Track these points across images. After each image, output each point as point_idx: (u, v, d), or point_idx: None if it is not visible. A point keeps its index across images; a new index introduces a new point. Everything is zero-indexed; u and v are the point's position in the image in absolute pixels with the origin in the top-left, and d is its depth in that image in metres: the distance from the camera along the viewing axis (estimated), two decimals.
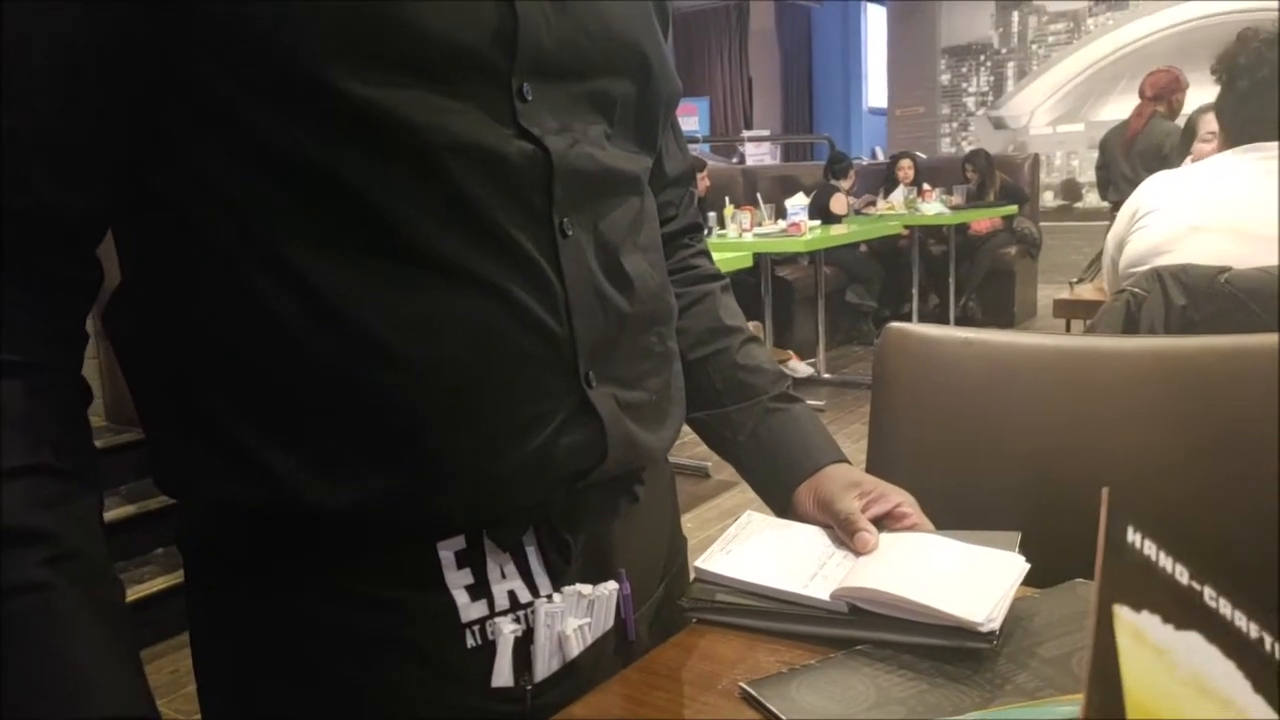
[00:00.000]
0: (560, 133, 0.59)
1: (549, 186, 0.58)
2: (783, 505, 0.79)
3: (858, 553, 0.70)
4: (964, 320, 5.94)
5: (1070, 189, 8.79)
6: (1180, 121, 4.05)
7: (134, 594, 2.38)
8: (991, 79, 9.24)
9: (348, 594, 0.59)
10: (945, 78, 9.42)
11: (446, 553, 0.59)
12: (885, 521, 0.73)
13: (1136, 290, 1.54)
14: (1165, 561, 0.26)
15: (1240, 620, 0.27)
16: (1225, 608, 0.27)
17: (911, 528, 0.72)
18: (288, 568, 0.59)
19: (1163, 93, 4.80)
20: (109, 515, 1.73)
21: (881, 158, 8.57)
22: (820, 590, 0.65)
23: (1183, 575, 0.26)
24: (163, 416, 0.60)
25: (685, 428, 0.83)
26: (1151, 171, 1.99)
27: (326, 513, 0.56)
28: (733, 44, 12.36)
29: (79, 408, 0.55)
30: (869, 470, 0.95)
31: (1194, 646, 0.27)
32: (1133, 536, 0.26)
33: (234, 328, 0.55)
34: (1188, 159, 2.50)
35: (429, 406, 0.55)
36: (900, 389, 1.02)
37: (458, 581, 0.59)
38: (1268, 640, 0.28)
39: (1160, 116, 4.74)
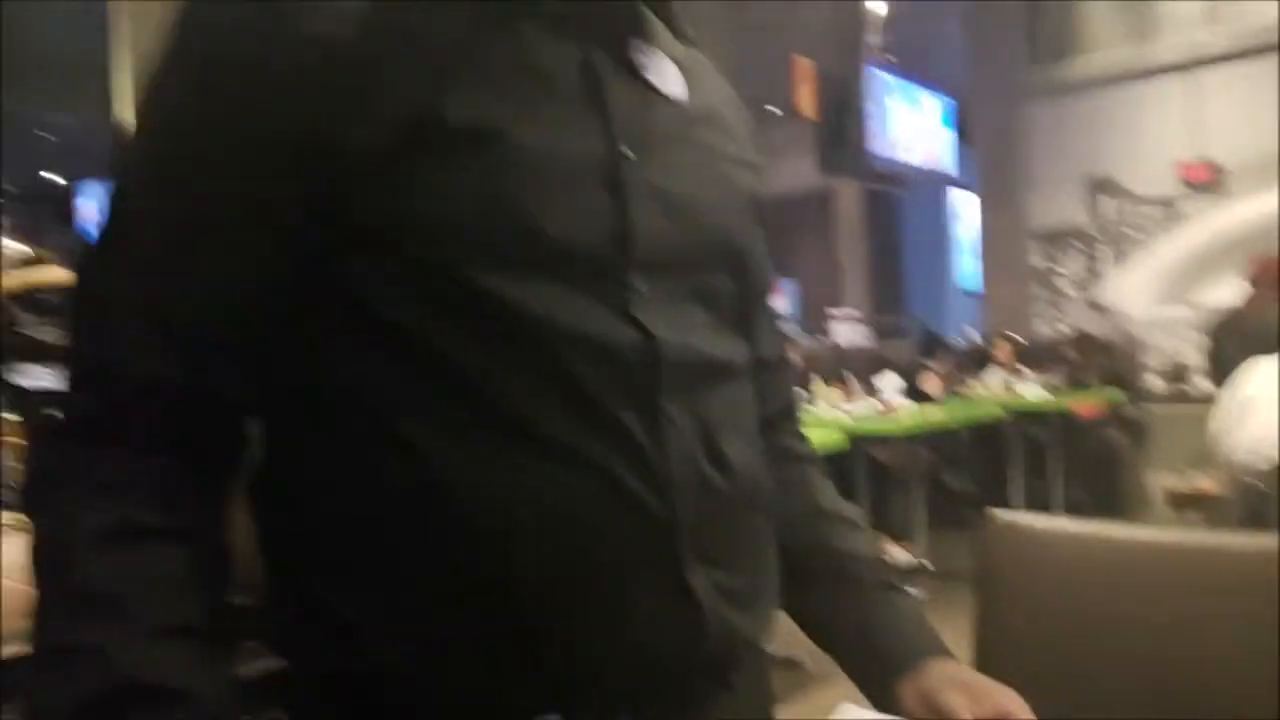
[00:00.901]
0: (667, 323, 0.62)
1: (655, 373, 0.61)
2: (883, 700, 0.76)
3: None
4: (1070, 508, 5.70)
5: (1177, 374, 8.54)
6: None
7: None
8: (1086, 262, 9.23)
9: None
10: (1038, 261, 9.45)
11: None
12: None
13: (1258, 484, 1.47)
14: None
15: None
16: None
17: None
18: None
19: (1273, 279, 4.73)
20: None
21: (975, 338, 8.54)
22: None
23: None
24: (286, 586, 0.63)
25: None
26: None
27: (426, 687, 0.57)
28: (820, 226, 12.72)
29: (223, 572, 0.59)
30: (976, 667, 0.91)
31: None
32: None
33: (353, 503, 0.59)
34: None
35: (530, 586, 0.57)
36: (1006, 582, 0.98)
37: None
38: None
39: (1271, 303, 4.65)
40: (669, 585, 0.60)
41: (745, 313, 0.72)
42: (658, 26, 0.70)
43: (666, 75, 0.68)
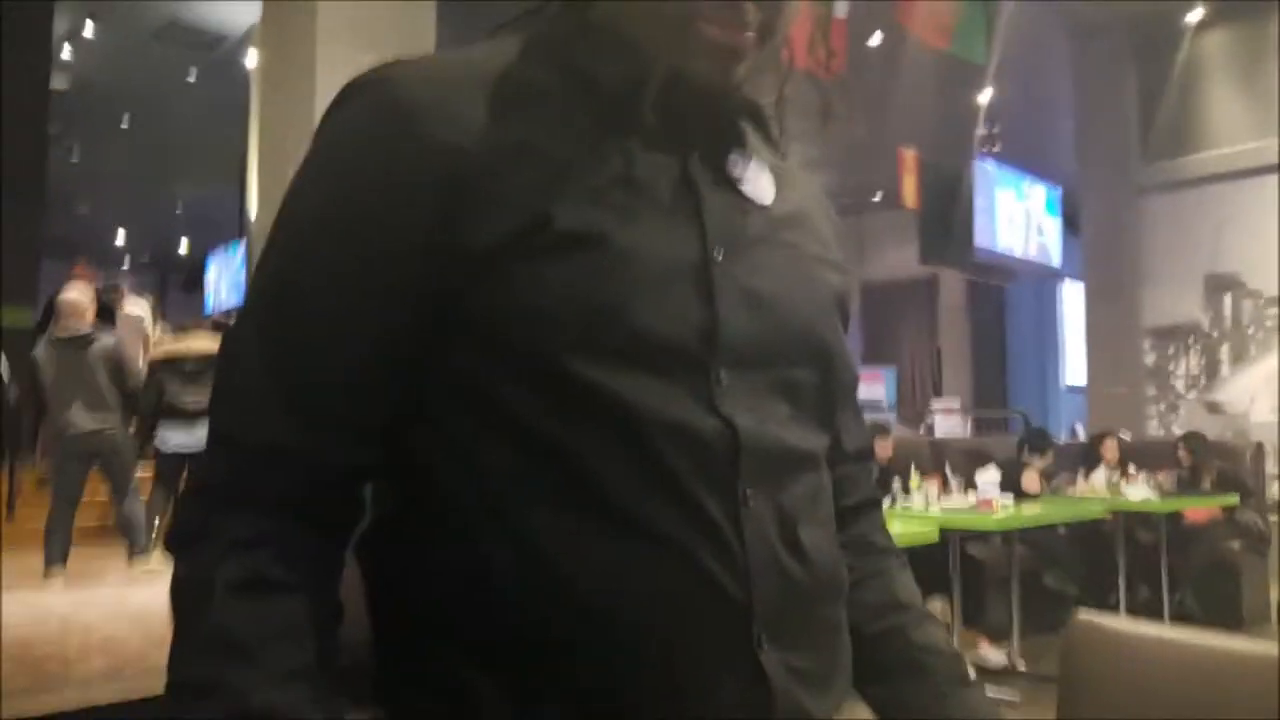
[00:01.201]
0: (749, 414, 0.66)
1: (736, 461, 0.64)
2: None
3: None
4: (1180, 618, 5.38)
5: None
6: None
7: None
8: (1203, 362, 8.85)
9: None
10: (1150, 358, 9.11)
11: None
12: None
13: None
14: None
15: None
16: None
17: None
18: None
19: None
20: None
21: (1082, 436, 8.24)
22: None
23: None
24: (391, 641, 0.67)
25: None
26: None
27: None
28: (922, 315, 12.56)
29: (336, 626, 0.64)
30: None
31: None
32: None
33: (458, 570, 0.63)
34: None
35: (618, 657, 0.60)
36: (1089, 686, 0.97)
37: None
38: None
39: None
40: (743, 665, 0.63)
41: (828, 406, 0.74)
42: (751, 136, 0.76)
43: (759, 183, 0.73)
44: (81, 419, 5.07)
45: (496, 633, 0.62)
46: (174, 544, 0.63)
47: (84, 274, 8.01)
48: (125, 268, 16.89)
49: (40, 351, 5.25)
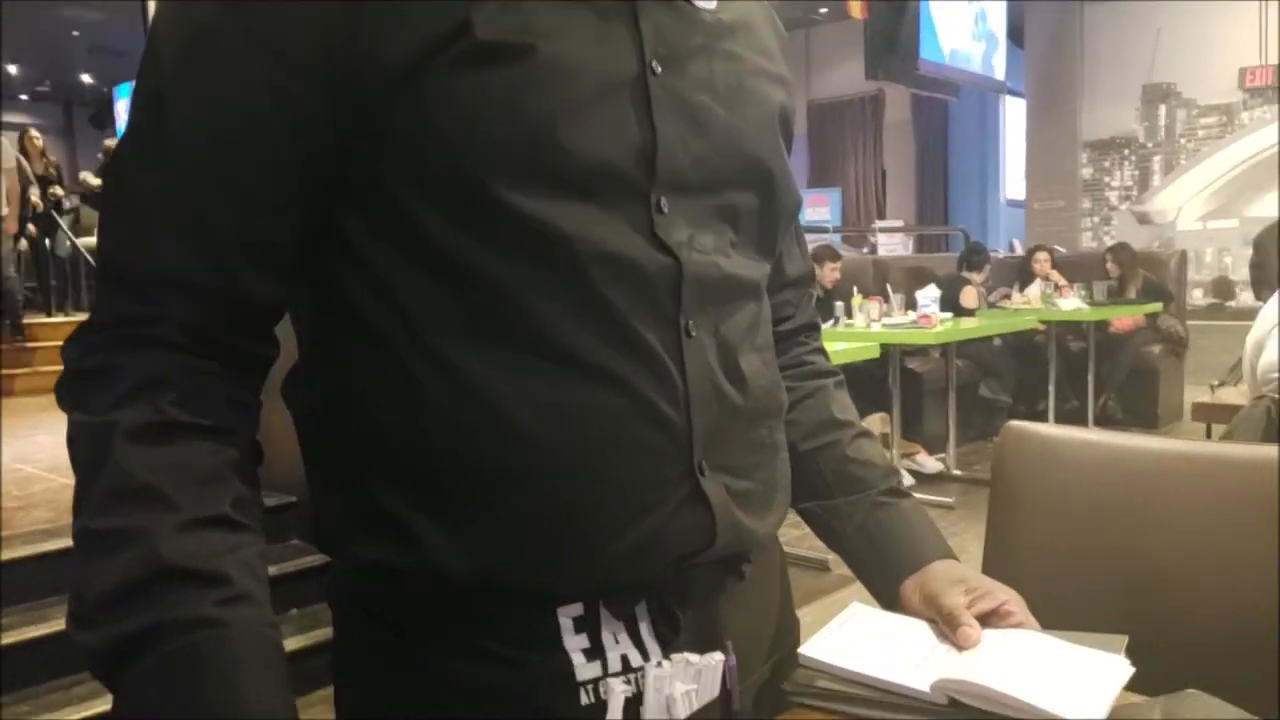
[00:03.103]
0: (691, 242, 0.64)
1: (678, 292, 0.63)
2: (888, 598, 0.81)
3: (960, 647, 0.71)
4: (1103, 421, 5.69)
5: (1222, 287, 8.38)
6: None
7: None
8: (1136, 173, 8.97)
9: (477, 651, 0.63)
10: (1087, 171, 9.20)
11: (565, 619, 0.64)
12: (990, 619, 0.74)
13: (1277, 396, 1.48)
14: None
15: None
16: None
17: (1017, 626, 0.73)
18: (425, 625, 0.64)
19: None
20: None
21: (1019, 250, 8.41)
22: (921, 681, 0.67)
23: None
24: (326, 480, 0.66)
25: (799, 520, 0.86)
26: None
27: (461, 577, 0.61)
28: (867, 135, 12.43)
29: (253, 468, 0.61)
30: (985, 568, 0.96)
31: None
32: None
33: (391, 406, 0.61)
34: None
35: (558, 486, 0.61)
36: (1018, 488, 1.02)
37: (575, 645, 0.64)
38: None
39: None
40: (684, 489, 0.64)
41: (771, 232, 0.73)
42: None
43: None
44: None
45: (431, 465, 0.61)
46: (66, 389, 0.58)
47: None
48: (25, 98, 15.78)
49: None
